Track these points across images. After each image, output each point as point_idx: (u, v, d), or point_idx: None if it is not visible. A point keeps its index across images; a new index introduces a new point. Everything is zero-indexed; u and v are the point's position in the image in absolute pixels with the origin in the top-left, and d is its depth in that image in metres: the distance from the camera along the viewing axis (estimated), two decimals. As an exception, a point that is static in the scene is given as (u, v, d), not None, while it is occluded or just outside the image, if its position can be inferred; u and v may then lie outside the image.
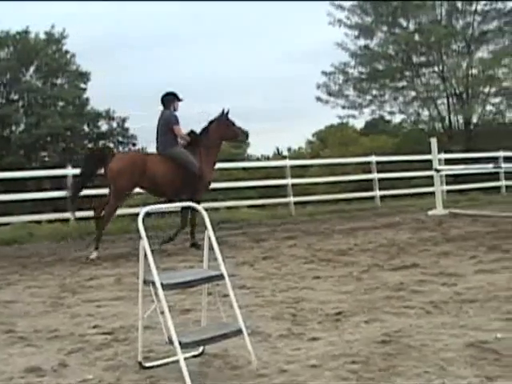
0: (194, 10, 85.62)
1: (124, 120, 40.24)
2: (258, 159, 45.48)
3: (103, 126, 40.50)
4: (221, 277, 4.58)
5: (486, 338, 4.83)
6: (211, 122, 12.32)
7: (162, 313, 4.26)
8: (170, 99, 11.89)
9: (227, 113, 12.35)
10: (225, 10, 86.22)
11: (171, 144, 11.66)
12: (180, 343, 4.11)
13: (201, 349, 4.77)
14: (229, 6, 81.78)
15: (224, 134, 12.25)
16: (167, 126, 11.64)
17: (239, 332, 4.46)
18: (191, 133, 12.01)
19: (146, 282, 4.47)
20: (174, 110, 11.91)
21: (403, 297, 6.47)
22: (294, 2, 45.60)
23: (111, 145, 38.73)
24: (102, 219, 11.27)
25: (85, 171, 11.70)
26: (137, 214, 4.46)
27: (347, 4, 31.47)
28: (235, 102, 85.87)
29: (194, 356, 4.73)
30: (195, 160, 11.67)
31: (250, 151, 56.20)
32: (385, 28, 32.12)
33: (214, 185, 17.22)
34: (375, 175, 20.60)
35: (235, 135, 12.55)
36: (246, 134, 12.76)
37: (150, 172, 11.36)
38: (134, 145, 40.57)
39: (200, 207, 4.87)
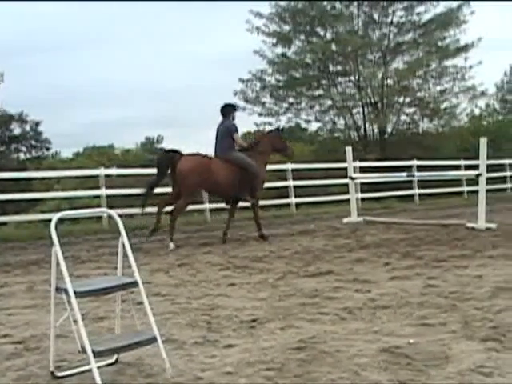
0: (110, 12, 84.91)
1: (37, 124, 39.35)
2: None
3: (16, 130, 39.49)
4: (135, 284, 4.53)
5: (399, 343, 4.91)
6: (268, 132, 14.80)
7: (75, 321, 4.17)
8: (229, 110, 13.27)
9: (282, 129, 14.93)
10: (138, 13, 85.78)
11: (230, 149, 12.87)
12: (93, 352, 4.05)
13: (115, 357, 4.71)
14: (143, 10, 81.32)
15: (275, 144, 13.77)
16: (228, 134, 12.89)
17: (154, 340, 4.42)
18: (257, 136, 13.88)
19: (58, 290, 4.38)
20: (233, 119, 13.22)
21: (318, 303, 6.51)
22: (211, 7, 45.60)
23: (24, 148, 37.85)
24: (171, 215, 12.61)
25: (159, 171, 12.61)
26: (50, 220, 4.36)
27: (265, 12, 31.58)
28: (148, 107, 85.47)
29: (108, 365, 4.66)
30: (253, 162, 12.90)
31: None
32: (302, 37, 32.30)
33: (129, 191, 17.09)
34: (291, 182, 20.72)
35: (284, 149, 14.12)
36: (292, 152, 14.65)
37: (214, 173, 12.50)
38: (47, 149, 39.74)
39: (114, 213, 4.78)
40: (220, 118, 13.23)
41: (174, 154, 12.72)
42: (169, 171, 12.63)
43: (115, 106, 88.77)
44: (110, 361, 4.68)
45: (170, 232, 12.40)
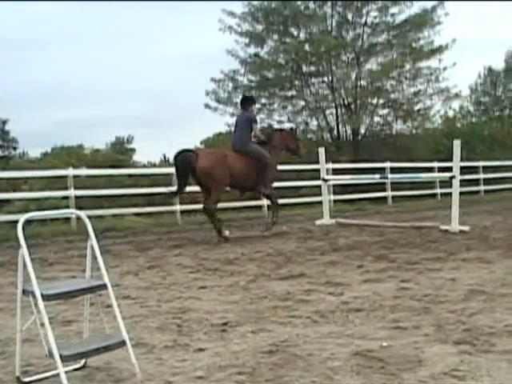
0: (83, 11, 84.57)
1: (4, 122, 38.93)
2: (144, 166, 44.97)
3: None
4: (104, 287, 4.47)
5: (372, 346, 4.88)
6: (281, 130, 15.40)
7: (42, 324, 4.10)
8: (249, 102, 14.11)
9: (296, 129, 16.71)
10: (111, 13, 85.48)
11: (247, 140, 13.47)
12: (61, 356, 3.99)
13: (83, 361, 4.63)
14: (116, 10, 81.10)
15: (288, 142, 14.48)
16: (248, 124, 13.50)
17: (123, 344, 4.36)
18: (268, 132, 14.67)
19: (25, 293, 4.31)
20: (251, 111, 14.06)
21: (290, 306, 6.46)
22: (183, 7, 45.51)
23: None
24: (206, 214, 13.26)
25: (179, 172, 13.20)
26: (17, 221, 4.26)
27: (238, 11, 31.46)
28: (119, 106, 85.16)
29: (76, 369, 4.58)
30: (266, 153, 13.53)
31: (136, 158, 55.71)
32: (275, 36, 32.17)
33: (98, 192, 16.95)
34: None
35: (296, 147, 14.75)
36: (304, 152, 15.37)
37: (232, 168, 13.05)
38: (14, 148, 39.36)
39: (83, 214, 4.70)
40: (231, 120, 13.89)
41: (190, 153, 13.19)
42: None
43: (85, 105, 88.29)
44: (77, 365, 4.60)
45: (215, 226, 13.11)
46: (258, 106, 32.07)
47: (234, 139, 13.81)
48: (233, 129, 14.30)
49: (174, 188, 13.94)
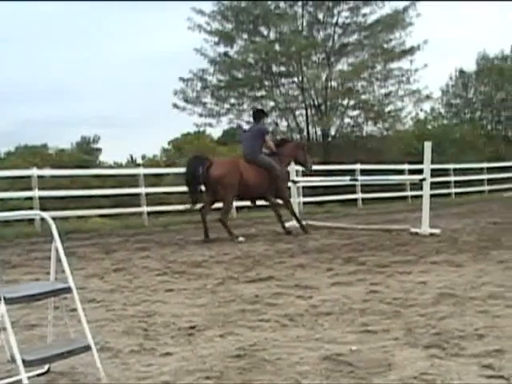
0: (49, 9, 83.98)
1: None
2: (110, 166, 44.71)
3: None
4: (68, 290, 4.39)
5: (341, 350, 4.84)
6: (289, 141, 16.28)
7: (4, 329, 4.02)
8: (260, 115, 14.77)
9: (305, 143, 17.25)
10: (78, 11, 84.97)
11: (258, 151, 13.85)
12: (23, 361, 3.90)
13: (46, 367, 4.53)
14: (83, 8, 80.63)
15: (297, 154, 14.75)
16: (260, 136, 13.91)
17: (88, 348, 4.29)
18: (278, 142, 14.96)
19: (-14, 296, 4.18)
20: (264, 123, 14.70)
21: (258, 310, 6.41)
22: (153, 4, 45.26)
23: None
24: (221, 222, 13.57)
25: (191, 178, 13.42)
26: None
27: (208, 10, 31.35)
28: (85, 105, 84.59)
29: (39, 374, 4.49)
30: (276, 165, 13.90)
31: (102, 158, 55.38)
32: (245, 36, 32.13)
33: (63, 192, 16.78)
34: (232, 186, 20.56)
35: (304, 161, 15.01)
36: (311, 167, 15.52)
37: (244, 176, 13.43)
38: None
39: (47, 216, 4.60)
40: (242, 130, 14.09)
41: (204, 160, 13.55)
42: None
43: (50, 104, 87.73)
44: (41, 370, 4.51)
45: (230, 233, 13.44)
46: (227, 106, 32.11)
47: (245, 149, 14.19)
48: (243, 139, 15.01)
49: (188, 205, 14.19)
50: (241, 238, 13.19)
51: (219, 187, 13.28)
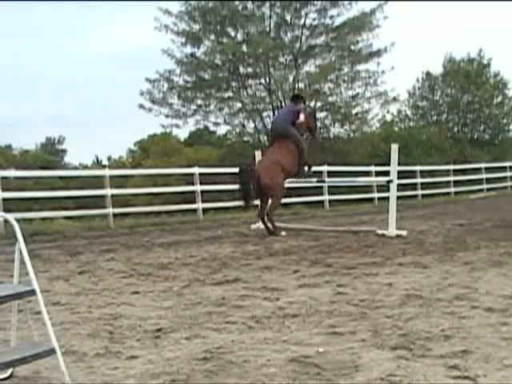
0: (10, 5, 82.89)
1: None
2: (75, 168, 44.41)
3: None
4: (32, 292, 4.31)
5: (308, 352, 4.83)
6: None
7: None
8: (300, 99, 15.82)
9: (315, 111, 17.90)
10: (43, 9, 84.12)
11: (289, 124, 14.64)
12: (-14, 366, 3.82)
13: (10, 371, 4.47)
14: (47, 5, 79.81)
15: (310, 121, 15.51)
16: (293, 114, 14.79)
17: (52, 352, 4.21)
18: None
19: None
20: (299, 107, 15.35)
21: (225, 312, 6.38)
22: (120, 3, 44.91)
23: None
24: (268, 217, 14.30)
25: (245, 187, 14.23)
26: None
27: (175, 10, 31.18)
28: (47, 105, 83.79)
29: (2, 379, 4.43)
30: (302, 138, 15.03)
31: (67, 159, 55.03)
32: (212, 37, 31.99)
33: (27, 194, 16.60)
34: (198, 187, 20.49)
35: (314, 129, 16.26)
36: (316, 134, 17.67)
37: (286, 167, 14.42)
38: None
39: (11, 217, 4.53)
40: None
41: (252, 170, 14.38)
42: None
43: (12, 104, 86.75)
44: (4, 375, 4.45)
45: (274, 227, 14.20)
46: (193, 107, 32.03)
47: (276, 122, 15.49)
48: (276, 116, 16.73)
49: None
50: (283, 233, 14.06)
51: (270, 191, 14.18)
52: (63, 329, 5.75)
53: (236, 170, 19.16)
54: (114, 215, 18.05)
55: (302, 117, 14.82)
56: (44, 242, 13.81)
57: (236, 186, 15.11)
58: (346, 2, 31.77)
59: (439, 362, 4.51)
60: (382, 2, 31.48)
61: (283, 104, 31.40)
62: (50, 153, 53.62)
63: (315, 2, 31.76)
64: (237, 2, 31.45)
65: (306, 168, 15.46)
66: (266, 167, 14.29)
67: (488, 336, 5.17)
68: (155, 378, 4.37)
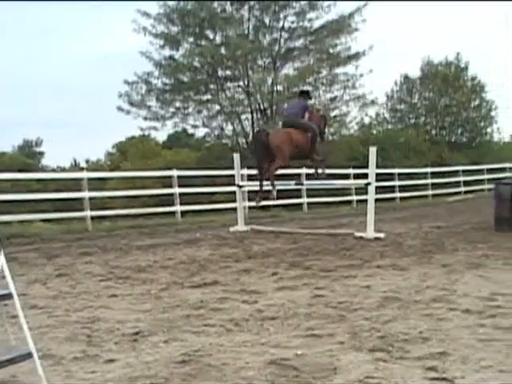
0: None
1: None
2: (53, 170, 44.10)
3: None
4: (9, 296, 4.27)
5: (287, 355, 4.84)
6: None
7: None
8: (306, 95, 16.80)
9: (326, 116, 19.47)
10: (25, 11, 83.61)
11: (299, 117, 15.63)
12: (-39, 370, 3.78)
13: (-15, 375, 4.41)
14: (29, 8, 79.41)
15: (321, 124, 16.30)
16: (302, 109, 15.80)
17: (29, 356, 4.17)
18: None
19: None
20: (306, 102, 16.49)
21: (203, 315, 6.38)
22: (99, 4, 44.63)
23: None
24: (269, 175, 15.10)
25: (260, 149, 15.16)
26: None
27: (153, 12, 31.00)
28: (24, 106, 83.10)
29: (-22, 384, 4.38)
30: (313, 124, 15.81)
31: (44, 162, 54.64)
32: (191, 39, 31.75)
33: (5, 196, 16.45)
34: (176, 190, 20.41)
35: (323, 132, 16.90)
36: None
37: (295, 140, 15.09)
38: None
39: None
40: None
41: (264, 132, 15.60)
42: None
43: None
44: (-20, 380, 4.41)
45: (272, 183, 15.14)
46: (172, 109, 31.90)
47: (287, 114, 16.40)
48: (286, 108, 17.69)
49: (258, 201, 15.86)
50: (274, 193, 15.31)
51: (277, 152, 14.80)
52: (40, 332, 5.71)
53: (214, 172, 19.47)
54: (92, 218, 17.93)
55: (306, 115, 15.81)
56: (21, 244, 13.70)
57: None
58: (324, 5, 31.77)
59: (417, 364, 4.54)
60: (361, 5, 31.56)
61: (261, 106, 31.46)
62: (28, 155, 53.23)
63: (294, 5, 31.71)
64: (215, 4, 31.32)
65: (320, 170, 16.18)
66: (277, 132, 15.77)
67: (465, 338, 5.21)
68: (133, 381, 4.36)
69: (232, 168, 16.96)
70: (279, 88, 31.59)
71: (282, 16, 31.70)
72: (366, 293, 7.28)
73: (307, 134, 15.44)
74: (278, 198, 22.77)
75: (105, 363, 4.84)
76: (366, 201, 14.35)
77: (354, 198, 26.19)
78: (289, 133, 15.24)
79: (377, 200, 14.40)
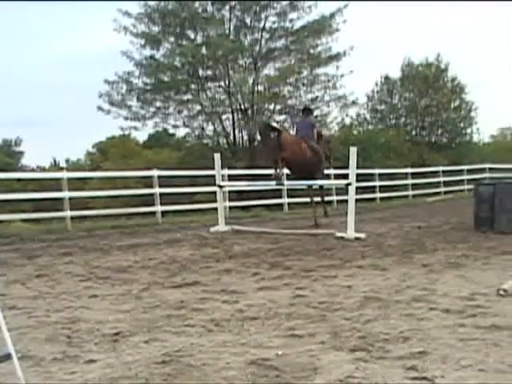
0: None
1: None
2: (33, 170, 43.87)
3: None
4: (-12, 297, 4.22)
5: (268, 355, 4.84)
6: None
7: None
8: (309, 112, 18.02)
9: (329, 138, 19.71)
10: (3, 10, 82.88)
11: (311, 138, 16.48)
12: None
13: (-36, 377, 4.37)
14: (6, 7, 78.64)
15: (325, 147, 17.30)
16: (310, 127, 16.73)
17: (8, 357, 4.13)
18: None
19: None
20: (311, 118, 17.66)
21: (184, 315, 6.36)
22: (79, 3, 44.31)
23: None
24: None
25: (266, 140, 16.04)
26: None
27: (134, 11, 30.88)
28: (8, 107, 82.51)
29: (-44, 385, 4.34)
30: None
31: (24, 161, 54.33)
32: (172, 39, 31.65)
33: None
34: (157, 190, 20.35)
35: (329, 156, 18.07)
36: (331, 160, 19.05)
37: (303, 153, 16.04)
38: None
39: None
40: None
41: (275, 127, 16.67)
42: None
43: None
44: (-42, 381, 4.36)
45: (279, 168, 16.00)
46: (152, 109, 31.82)
47: (301, 136, 16.58)
48: (298, 127, 17.30)
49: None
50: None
51: (285, 148, 15.56)
52: (20, 333, 5.68)
53: (195, 172, 19.44)
54: (72, 218, 17.85)
55: (315, 130, 16.85)
56: (1, 245, 13.63)
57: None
58: (305, 5, 31.79)
59: (397, 364, 4.55)
60: (342, 5, 31.61)
61: (242, 106, 31.43)
62: (7, 155, 52.89)
63: (275, 5, 31.73)
64: (197, 4, 31.25)
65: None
66: (289, 134, 17.47)
67: (445, 337, 5.23)
68: (114, 382, 4.35)
69: (213, 168, 16.92)
70: (260, 88, 31.56)
71: (263, 16, 31.69)
72: (346, 293, 7.29)
73: (315, 157, 16.36)
74: (259, 198, 22.90)
75: (85, 364, 4.81)
76: (346, 201, 14.37)
77: (335, 198, 26.20)
78: (301, 142, 16.13)
79: (357, 200, 14.45)
